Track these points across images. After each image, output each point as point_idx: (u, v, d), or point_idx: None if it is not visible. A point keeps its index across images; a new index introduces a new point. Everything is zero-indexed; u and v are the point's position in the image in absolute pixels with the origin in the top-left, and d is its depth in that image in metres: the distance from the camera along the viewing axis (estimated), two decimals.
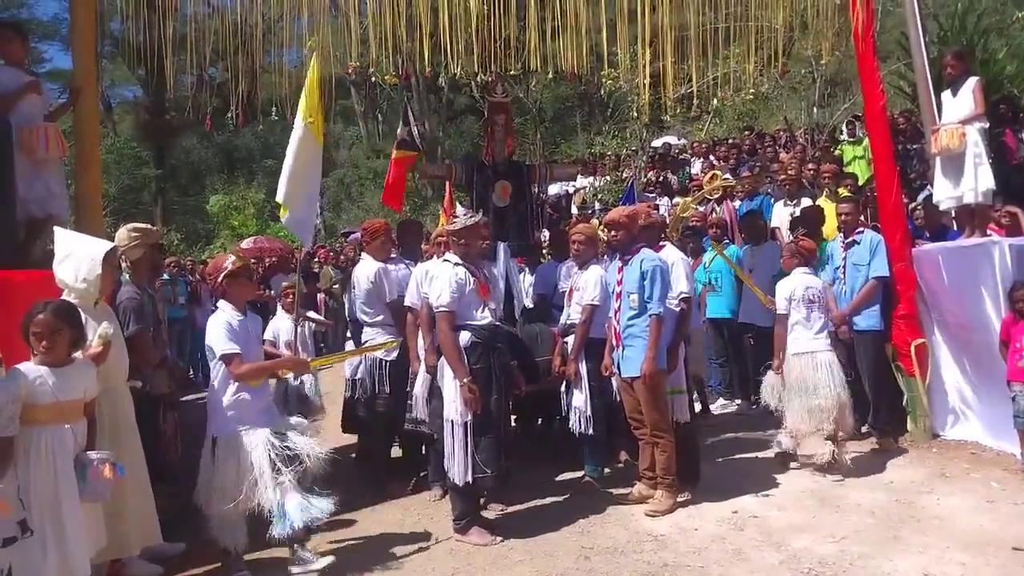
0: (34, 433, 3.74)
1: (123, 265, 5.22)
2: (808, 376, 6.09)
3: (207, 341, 4.70)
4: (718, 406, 8.74)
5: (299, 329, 6.81)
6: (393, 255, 6.77)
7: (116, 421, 4.54)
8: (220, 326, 4.68)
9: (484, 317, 5.37)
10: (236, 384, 4.67)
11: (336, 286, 13.26)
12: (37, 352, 3.80)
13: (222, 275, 4.78)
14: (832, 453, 6.04)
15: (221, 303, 4.85)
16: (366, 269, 6.44)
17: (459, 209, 5.95)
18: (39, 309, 3.81)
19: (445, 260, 5.50)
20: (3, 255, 4.88)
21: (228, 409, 4.68)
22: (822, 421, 6.00)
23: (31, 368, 3.76)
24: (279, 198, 6.20)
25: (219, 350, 4.64)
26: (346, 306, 6.86)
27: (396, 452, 6.79)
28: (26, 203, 5.51)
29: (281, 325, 7.66)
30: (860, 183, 9.81)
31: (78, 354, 4.00)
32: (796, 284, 6.30)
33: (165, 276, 11.50)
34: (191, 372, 12.75)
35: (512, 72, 8.10)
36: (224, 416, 4.68)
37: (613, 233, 5.85)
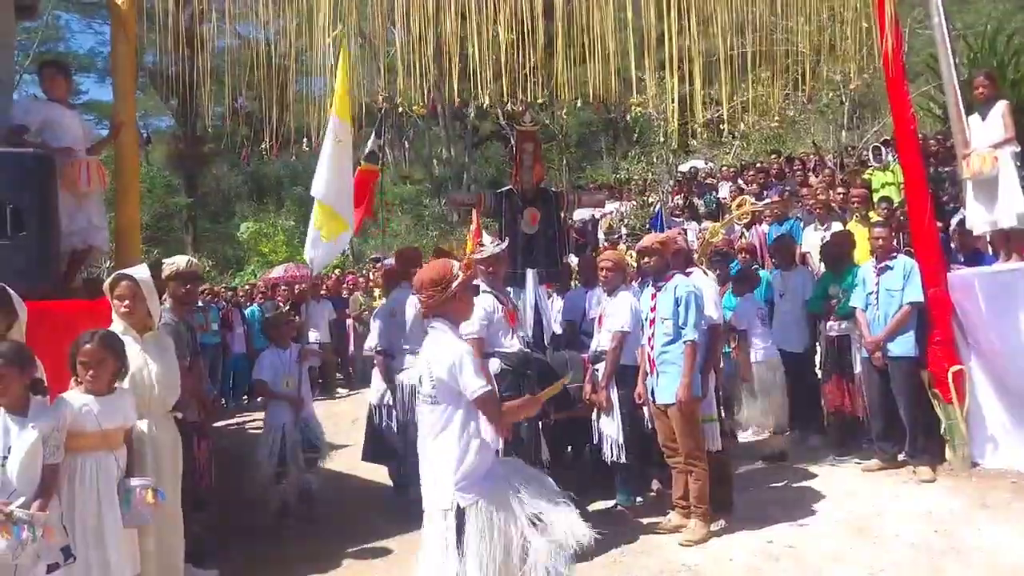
0: (79, 460, 3.81)
1: None
2: (767, 380, 7.25)
3: (439, 374, 3.47)
4: (750, 433, 8.66)
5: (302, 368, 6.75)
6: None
7: (157, 449, 4.57)
8: (463, 355, 3.47)
9: (513, 344, 5.39)
10: (479, 432, 3.54)
11: (366, 312, 13.32)
12: (83, 381, 3.88)
13: (456, 283, 3.63)
14: (784, 442, 7.40)
15: (439, 324, 3.64)
16: (410, 297, 6.51)
17: (486, 237, 5.98)
18: (86, 339, 3.88)
19: None
20: (46, 286, 4.95)
21: (475, 469, 3.48)
22: (778, 417, 7.29)
23: (77, 396, 3.84)
24: (323, 197, 6.27)
25: (475, 389, 3.42)
26: (376, 335, 6.90)
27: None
28: (68, 235, 5.61)
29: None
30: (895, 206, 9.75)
31: (122, 383, 4.08)
32: (749, 305, 7.46)
33: (198, 303, 11.61)
34: (222, 400, 12.88)
35: (540, 100, 8.13)
36: (470, 478, 3.46)
37: (646, 260, 5.87)
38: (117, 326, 4.29)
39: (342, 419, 10.71)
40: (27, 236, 4.94)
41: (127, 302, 4.32)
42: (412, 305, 6.48)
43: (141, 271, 4.50)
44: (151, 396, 4.36)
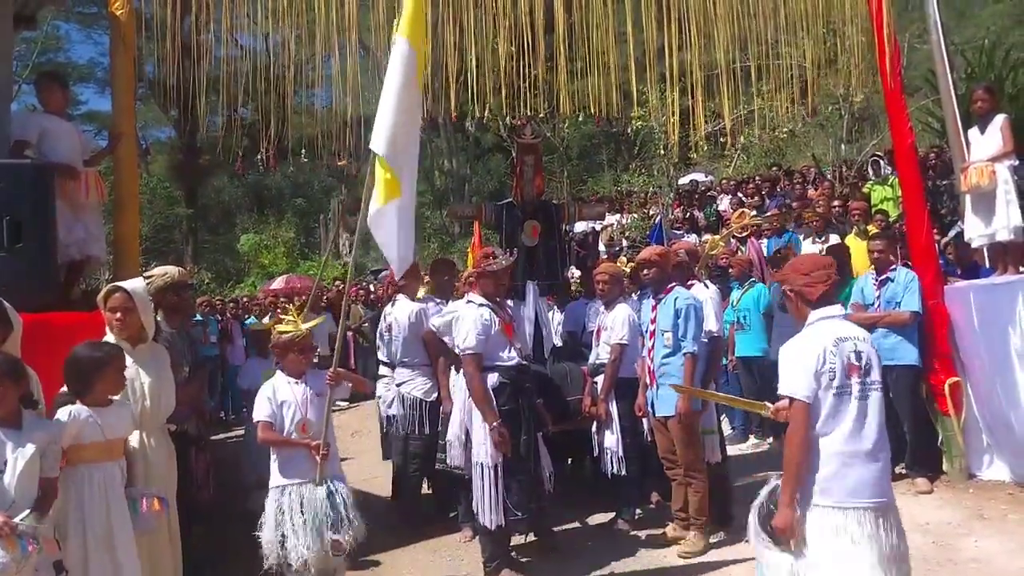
0: (85, 471, 3.81)
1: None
2: None
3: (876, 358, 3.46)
4: (749, 445, 8.66)
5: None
6: (420, 295, 6.83)
7: (150, 461, 4.54)
8: None
9: (511, 357, 5.38)
10: None
11: (366, 324, 13.31)
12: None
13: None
14: None
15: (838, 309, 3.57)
16: (405, 309, 6.49)
17: (497, 250, 5.95)
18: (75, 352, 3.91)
19: (469, 301, 5.51)
20: (44, 298, 4.95)
21: None
22: None
23: (81, 409, 3.83)
24: (380, 150, 4.67)
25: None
26: (382, 348, 6.87)
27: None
28: (66, 247, 5.61)
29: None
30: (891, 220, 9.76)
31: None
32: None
33: (197, 316, 11.59)
34: (221, 413, 12.87)
35: (540, 113, 8.16)
36: None
37: (645, 272, 5.88)
38: (110, 338, 4.28)
39: (343, 431, 10.69)
40: (25, 248, 4.94)
41: (120, 315, 4.28)
42: (407, 316, 6.48)
43: (135, 283, 4.48)
44: (143, 408, 4.33)
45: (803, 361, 3.36)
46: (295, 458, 4.72)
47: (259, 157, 7.80)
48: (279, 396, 4.81)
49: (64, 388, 3.92)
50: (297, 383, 4.87)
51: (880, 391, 3.38)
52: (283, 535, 4.54)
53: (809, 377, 3.32)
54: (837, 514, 3.26)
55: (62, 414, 3.77)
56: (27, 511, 3.43)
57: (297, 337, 4.89)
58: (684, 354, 5.55)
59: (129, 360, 4.28)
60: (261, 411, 4.78)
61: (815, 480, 3.32)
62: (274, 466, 4.77)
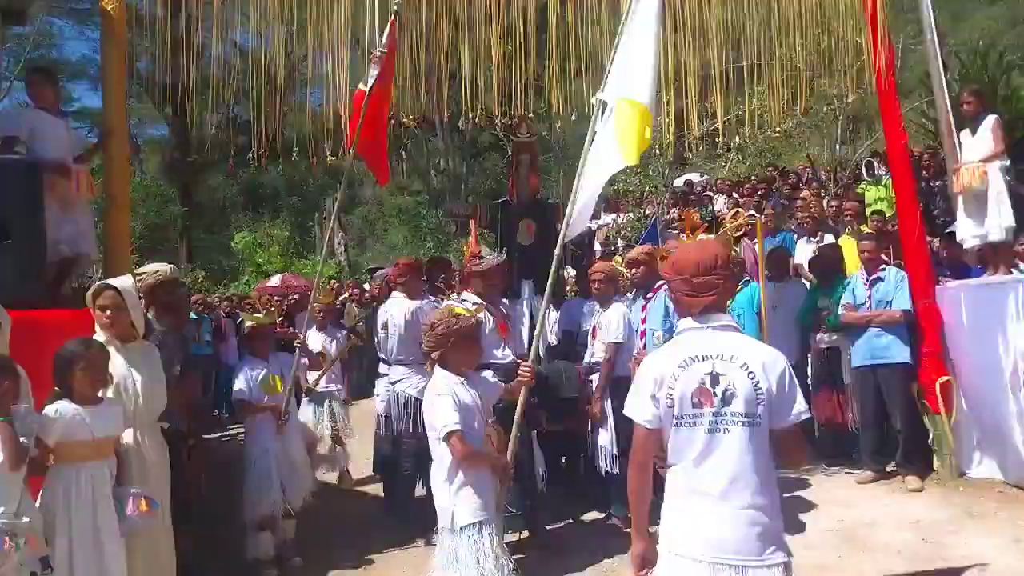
0: (73, 470, 3.81)
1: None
2: None
3: (767, 384, 2.78)
4: None
5: None
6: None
7: (143, 459, 4.54)
8: (788, 363, 2.95)
9: (506, 356, 5.38)
10: None
11: (361, 323, 13.27)
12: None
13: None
14: None
15: (728, 319, 2.96)
16: (401, 307, 6.48)
17: (484, 249, 5.96)
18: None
19: (463, 300, 5.51)
20: (33, 295, 4.93)
21: None
22: None
23: (68, 407, 3.83)
24: (645, 98, 4.42)
25: (802, 410, 2.89)
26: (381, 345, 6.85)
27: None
28: (56, 243, 5.60)
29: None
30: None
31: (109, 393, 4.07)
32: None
33: (193, 316, 11.54)
34: (215, 411, 12.82)
35: (531, 114, 8.13)
36: None
37: (633, 271, 5.89)
38: (101, 336, 4.27)
39: None
40: (13, 245, 4.93)
41: (109, 312, 4.27)
42: (401, 315, 6.47)
43: (124, 281, 4.46)
44: (136, 406, 4.32)
45: (643, 381, 2.85)
46: (486, 482, 3.86)
47: (250, 156, 7.76)
48: (462, 400, 3.85)
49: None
50: (468, 385, 3.97)
51: (751, 427, 2.73)
52: None
53: (646, 399, 2.81)
54: (673, 560, 2.76)
55: (49, 411, 3.76)
56: (1, 508, 3.42)
57: (477, 324, 3.98)
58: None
59: (120, 358, 4.28)
60: (450, 418, 3.72)
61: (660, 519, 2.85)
62: (461, 494, 3.81)
